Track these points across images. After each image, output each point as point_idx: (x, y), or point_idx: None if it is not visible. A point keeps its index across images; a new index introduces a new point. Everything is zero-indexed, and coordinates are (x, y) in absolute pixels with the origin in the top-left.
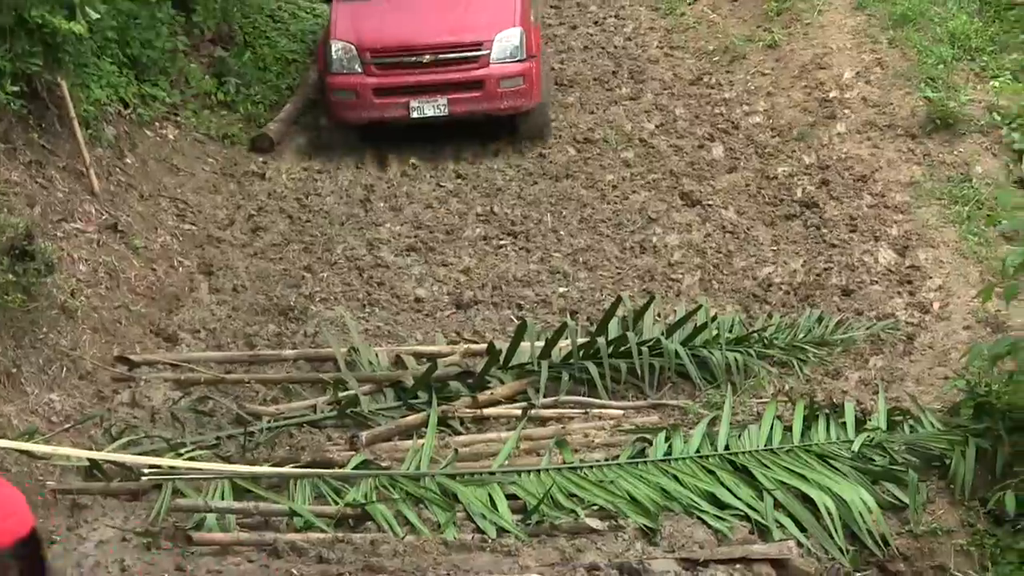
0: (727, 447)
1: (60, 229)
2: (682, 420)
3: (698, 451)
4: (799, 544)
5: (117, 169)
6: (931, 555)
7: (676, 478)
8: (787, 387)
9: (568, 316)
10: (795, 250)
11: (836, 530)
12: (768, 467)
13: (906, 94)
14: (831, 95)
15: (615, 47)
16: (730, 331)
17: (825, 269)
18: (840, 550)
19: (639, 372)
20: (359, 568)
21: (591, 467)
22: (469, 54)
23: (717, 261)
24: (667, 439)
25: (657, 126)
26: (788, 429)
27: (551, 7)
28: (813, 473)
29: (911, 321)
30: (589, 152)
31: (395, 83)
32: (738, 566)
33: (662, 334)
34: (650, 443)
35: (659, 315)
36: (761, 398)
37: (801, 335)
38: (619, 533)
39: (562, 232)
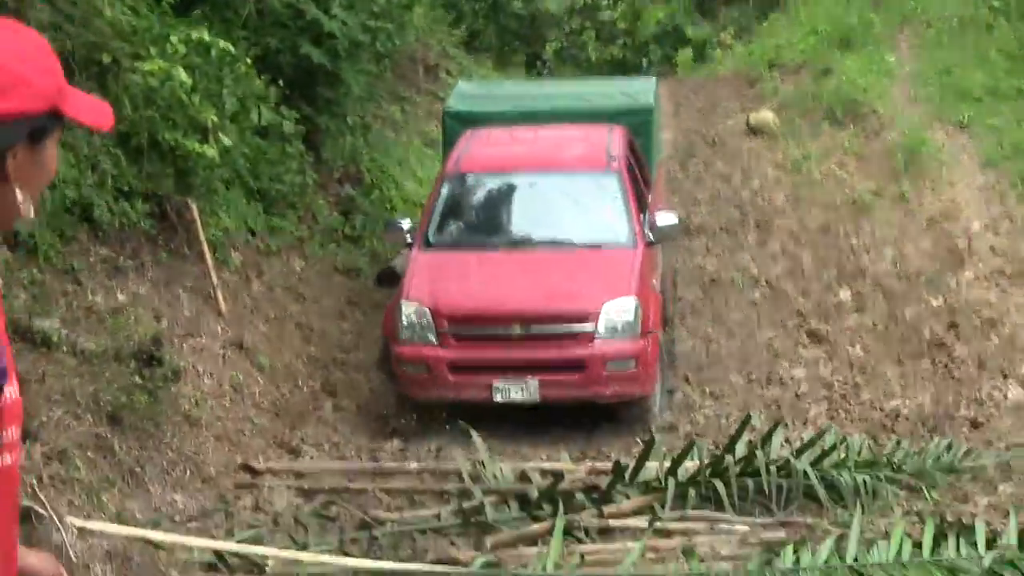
0: (856, 559)
1: (186, 343)
2: (809, 537)
3: (826, 562)
4: None
5: (243, 293)
6: None
7: None
8: (915, 508)
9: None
10: (923, 385)
11: None
12: None
13: None
14: (959, 244)
15: (741, 199)
16: (858, 455)
17: (953, 402)
18: None
19: (767, 491)
20: None
21: None
22: (568, 328)
23: (844, 393)
24: (795, 551)
25: (783, 270)
26: (917, 546)
27: (677, 163)
28: None
29: None
30: (715, 293)
31: (476, 359)
32: None
33: (791, 455)
34: (777, 555)
35: (786, 440)
36: (889, 519)
37: (930, 461)
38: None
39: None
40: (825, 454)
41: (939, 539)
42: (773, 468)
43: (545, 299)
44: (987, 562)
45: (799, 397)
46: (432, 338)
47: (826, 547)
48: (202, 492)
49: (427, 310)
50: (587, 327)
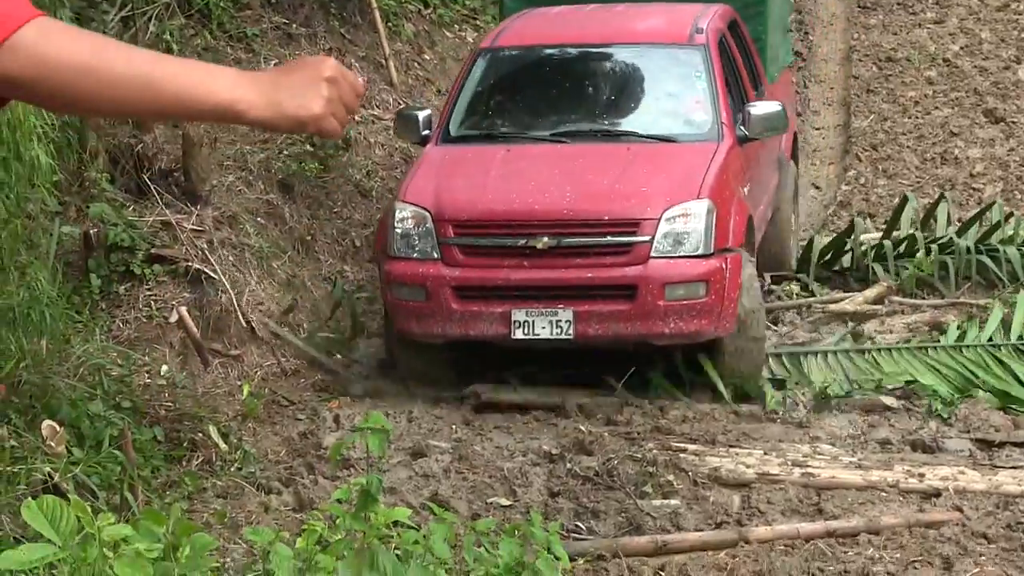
0: (1021, 336)
1: (358, 114)
2: (980, 316)
3: (991, 339)
4: None
5: (415, 64)
6: None
7: (967, 367)
8: None
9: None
10: None
11: None
12: None
13: None
14: None
15: None
16: None
17: None
18: None
19: (933, 272)
20: (647, 430)
21: (882, 349)
22: (614, 239)
23: (1021, 174)
24: (959, 327)
25: (961, 48)
26: None
27: None
28: None
29: None
30: (891, 70)
31: (489, 280)
32: None
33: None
34: (943, 332)
35: (959, 220)
36: None
37: None
38: (912, 412)
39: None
40: (992, 230)
41: None
42: (934, 247)
43: (584, 200)
44: None
45: (973, 176)
46: (433, 252)
47: (992, 322)
48: (372, 266)
49: (427, 214)
50: (641, 239)
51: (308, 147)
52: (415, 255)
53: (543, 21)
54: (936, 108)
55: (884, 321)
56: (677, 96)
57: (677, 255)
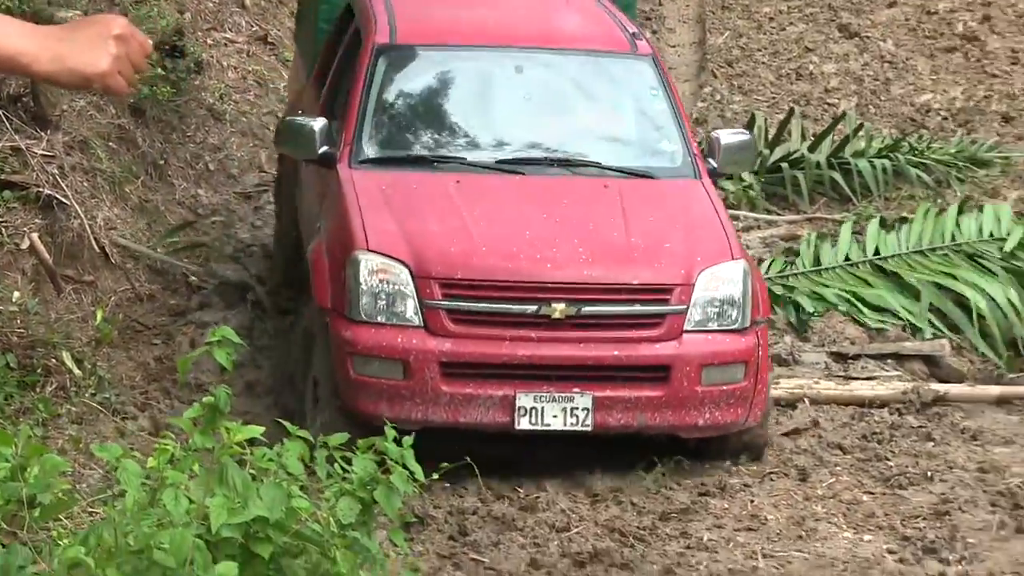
0: (876, 252)
1: (210, 37)
2: (832, 232)
3: (847, 259)
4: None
5: None
6: None
7: (824, 284)
8: (940, 200)
9: None
10: (954, 79)
11: (996, 332)
12: (917, 269)
13: None
14: None
15: None
16: (882, 143)
17: (985, 97)
18: (995, 352)
19: (785, 186)
20: None
21: None
22: (643, 308)
23: (874, 88)
24: (811, 245)
25: None
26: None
27: None
28: (963, 272)
29: None
30: None
31: (490, 356)
32: (889, 361)
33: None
34: (798, 254)
35: (814, 135)
36: (913, 210)
37: (953, 151)
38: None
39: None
40: (844, 143)
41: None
42: (785, 164)
43: (606, 259)
44: (1011, 244)
45: (828, 92)
46: (413, 316)
47: (844, 237)
48: (225, 188)
49: (405, 268)
50: (674, 308)
51: (160, 71)
52: (390, 321)
53: (439, 13)
54: (791, 24)
55: (740, 236)
56: (634, 119)
57: (714, 329)
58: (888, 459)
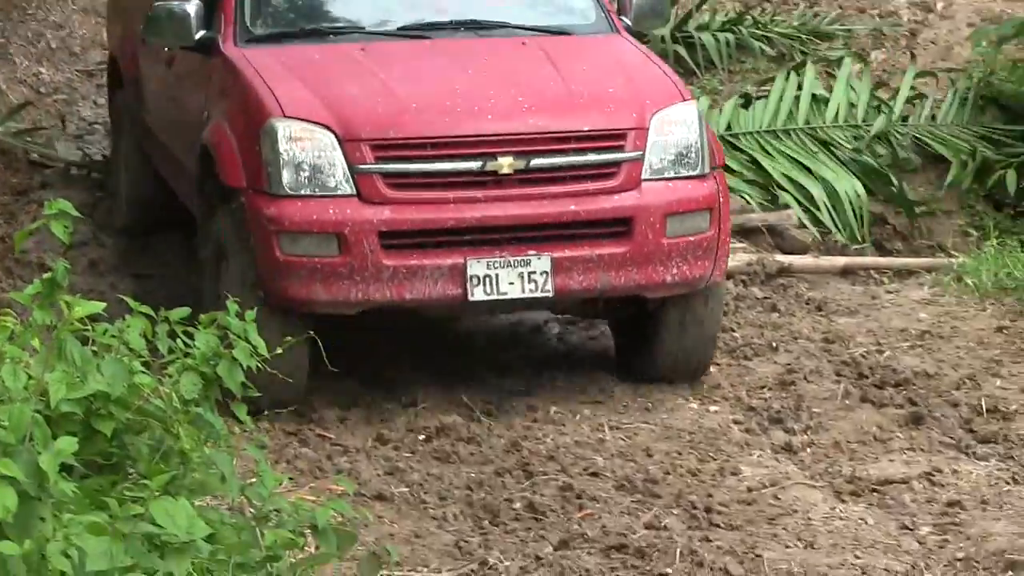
0: (728, 127)
1: None
2: None
3: None
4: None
5: None
6: (929, 235)
7: None
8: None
9: None
10: None
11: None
12: (772, 156)
13: None
14: None
15: None
16: (725, 16)
17: None
18: (837, 226)
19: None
20: None
21: None
22: (597, 156)
23: None
24: None
25: None
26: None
27: None
28: (816, 163)
29: (914, 19)
30: None
31: (434, 221)
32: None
33: None
34: None
35: None
36: (761, 86)
37: (796, 24)
38: None
39: None
40: (688, 16)
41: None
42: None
43: (550, 107)
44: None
45: None
46: (345, 185)
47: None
48: (68, 66)
49: (330, 133)
50: (630, 155)
51: None
52: (317, 192)
53: None
54: None
55: None
56: None
57: (674, 176)
58: (734, 330)
